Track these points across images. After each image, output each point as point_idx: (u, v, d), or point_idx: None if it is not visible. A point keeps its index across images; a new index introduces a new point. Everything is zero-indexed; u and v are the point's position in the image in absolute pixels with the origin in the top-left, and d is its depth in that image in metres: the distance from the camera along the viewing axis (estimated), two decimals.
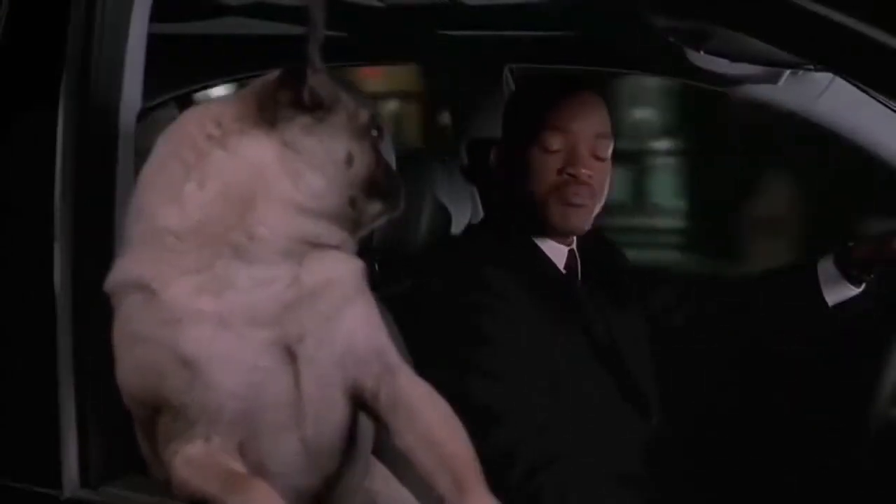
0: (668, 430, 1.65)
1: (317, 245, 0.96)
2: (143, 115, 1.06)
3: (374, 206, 1.00)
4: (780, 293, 1.70)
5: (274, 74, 0.97)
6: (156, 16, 1.08)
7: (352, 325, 0.98)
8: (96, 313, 0.99)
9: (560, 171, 1.56)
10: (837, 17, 0.89)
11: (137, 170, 1.01)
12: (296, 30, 2.13)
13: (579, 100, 1.60)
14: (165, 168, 0.94)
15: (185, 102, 3.04)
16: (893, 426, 1.39)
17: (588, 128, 1.58)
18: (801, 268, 1.66)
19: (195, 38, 2.11)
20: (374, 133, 1.01)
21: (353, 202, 0.98)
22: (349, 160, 0.97)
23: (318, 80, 0.96)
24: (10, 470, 1.04)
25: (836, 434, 1.54)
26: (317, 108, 0.96)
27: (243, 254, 0.92)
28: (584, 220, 1.60)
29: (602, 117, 1.61)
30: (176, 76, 2.45)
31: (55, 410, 1.01)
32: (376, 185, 1.00)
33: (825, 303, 1.62)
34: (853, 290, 1.62)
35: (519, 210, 1.61)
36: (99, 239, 1.02)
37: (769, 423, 1.86)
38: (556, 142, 1.57)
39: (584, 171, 1.56)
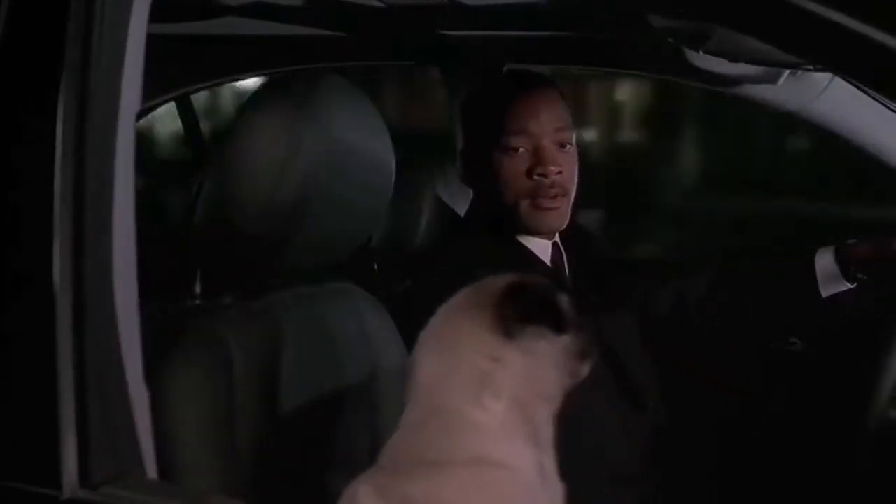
0: (665, 426, 1.65)
1: None
2: (143, 115, 1.06)
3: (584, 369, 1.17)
4: (774, 280, 1.69)
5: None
6: (156, 16, 1.08)
7: None
8: (96, 313, 0.99)
9: (529, 173, 1.57)
10: (837, 17, 0.89)
11: (138, 168, 1.02)
12: (296, 30, 2.15)
13: (533, 97, 1.60)
14: None
15: (185, 103, 3.05)
16: (892, 426, 1.39)
17: (547, 123, 1.58)
18: (799, 258, 1.66)
19: (195, 38, 2.11)
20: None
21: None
22: None
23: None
24: (9, 470, 1.04)
25: (835, 434, 1.54)
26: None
27: None
28: (561, 219, 1.61)
29: (559, 109, 1.61)
30: (176, 76, 2.45)
31: (55, 410, 1.01)
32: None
33: (819, 293, 1.62)
34: (847, 286, 1.62)
35: (495, 211, 1.61)
36: (99, 239, 1.02)
37: (767, 422, 1.86)
38: (518, 143, 1.57)
39: (552, 168, 1.56)
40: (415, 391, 1.10)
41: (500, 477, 1.05)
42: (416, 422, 1.09)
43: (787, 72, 1.82)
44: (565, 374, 1.13)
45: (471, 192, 1.93)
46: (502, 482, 1.05)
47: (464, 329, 1.10)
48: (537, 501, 1.07)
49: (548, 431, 1.12)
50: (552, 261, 1.64)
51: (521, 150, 1.57)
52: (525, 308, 1.08)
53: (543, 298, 1.11)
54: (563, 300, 1.13)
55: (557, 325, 1.11)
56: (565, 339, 1.12)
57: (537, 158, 1.57)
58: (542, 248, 1.63)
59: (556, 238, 1.65)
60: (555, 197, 1.57)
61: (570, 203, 1.62)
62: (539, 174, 1.56)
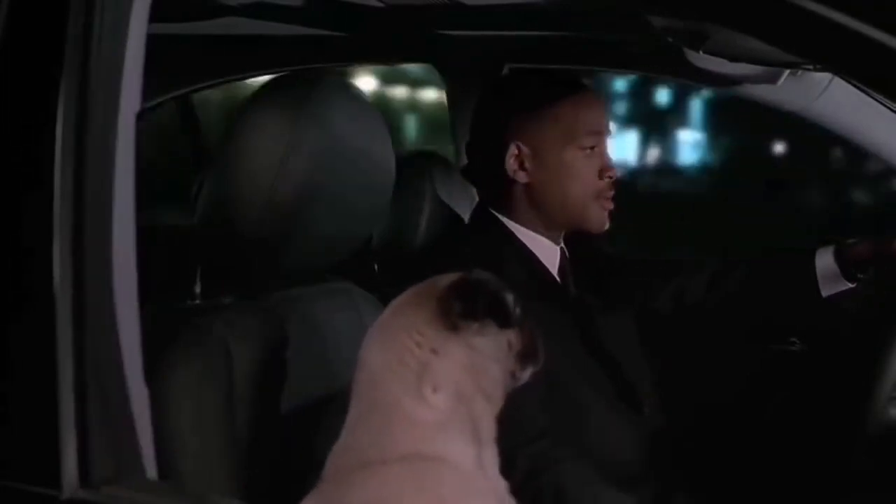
0: (664, 427, 1.64)
1: None
2: (142, 115, 1.06)
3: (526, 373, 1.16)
4: (774, 279, 1.68)
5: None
6: (156, 16, 1.08)
7: None
8: (96, 313, 0.99)
9: (600, 174, 1.57)
10: (837, 16, 0.89)
11: (138, 168, 1.02)
12: (296, 30, 2.14)
13: (595, 97, 1.60)
14: None
15: (185, 102, 3.05)
16: (892, 426, 1.39)
17: (607, 125, 1.59)
18: (799, 257, 1.66)
19: (195, 38, 2.11)
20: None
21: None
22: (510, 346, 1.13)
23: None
24: (9, 470, 1.04)
25: (834, 434, 1.54)
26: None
27: None
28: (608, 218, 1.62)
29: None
30: (176, 76, 2.45)
31: (55, 410, 1.01)
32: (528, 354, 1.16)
33: (819, 292, 1.62)
34: (847, 285, 1.62)
35: (546, 212, 1.59)
36: (99, 239, 1.02)
37: (766, 422, 1.86)
38: (593, 143, 1.57)
39: (615, 169, 1.59)
40: (357, 387, 1.10)
41: (436, 471, 1.04)
42: (356, 420, 1.08)
43: (787, 72, 1.82)
44: (507, 374, 1.13)
45: (471, 192, 1.93)
46: (440, 476, 1.04)
47: (406, 321, 1.10)
48: (478, 492, 1.07)
49: (489, 429, 1.11)
50: (560, 267, 1.63)
51: (596, 150, 1.57)
52: (469, 302, 1.08)
53: (489, 293, 1.11)
54: (510, 297, 1.12)
55: (502, 320, 1.10)
56: (509, 336, 1.12)
57: (604, 159, 1.58)
58: (550, 253, 1.62)
59: (561, 241, 1.65)
60: (611, 198, 1.59)
61: None
62: (609, 175, 1.57)
